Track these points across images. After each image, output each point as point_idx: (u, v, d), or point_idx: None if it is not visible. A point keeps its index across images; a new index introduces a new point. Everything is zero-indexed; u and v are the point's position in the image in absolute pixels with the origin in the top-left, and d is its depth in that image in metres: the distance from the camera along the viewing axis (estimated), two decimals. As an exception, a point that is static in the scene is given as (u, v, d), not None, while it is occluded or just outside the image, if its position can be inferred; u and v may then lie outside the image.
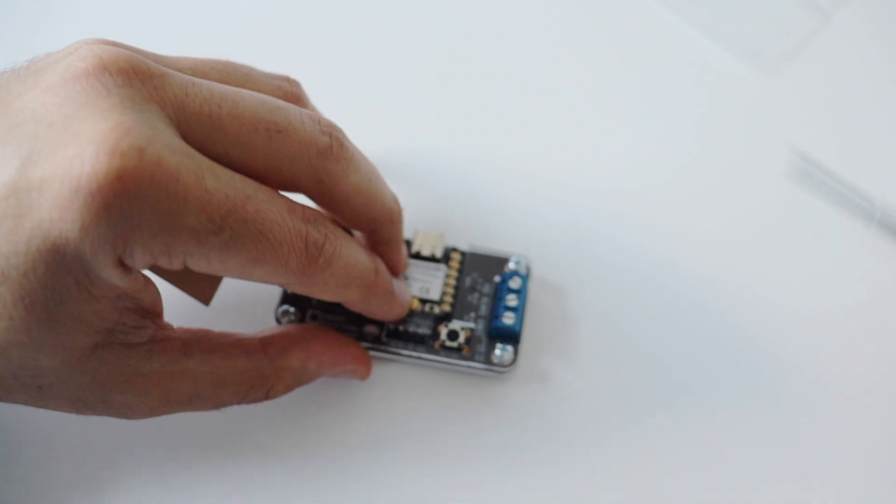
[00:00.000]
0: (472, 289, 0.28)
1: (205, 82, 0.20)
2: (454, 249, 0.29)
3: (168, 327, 0.22)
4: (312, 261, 0.21)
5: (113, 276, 0.19)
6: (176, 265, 0.19)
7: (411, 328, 0.27)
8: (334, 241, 0.22)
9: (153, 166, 0.18)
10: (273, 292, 0.28)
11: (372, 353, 0.27)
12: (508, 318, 0.27)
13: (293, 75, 0.26)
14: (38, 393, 0.21)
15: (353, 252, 0.23)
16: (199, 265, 0.20)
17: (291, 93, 0.25)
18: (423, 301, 0.28)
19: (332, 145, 0.22)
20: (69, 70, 0.19)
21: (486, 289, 0.28)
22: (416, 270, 0.29)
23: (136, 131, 0.18)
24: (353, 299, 0.24)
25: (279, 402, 0.25)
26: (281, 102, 0.21)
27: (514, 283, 0.28)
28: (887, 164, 0.33)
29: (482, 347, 0.27)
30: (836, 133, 0.33)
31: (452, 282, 0.28)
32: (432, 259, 0.29)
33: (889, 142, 0.34)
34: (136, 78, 0.19)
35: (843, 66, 0.35)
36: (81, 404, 0.21)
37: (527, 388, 0.28)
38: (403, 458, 0.26)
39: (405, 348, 0.27)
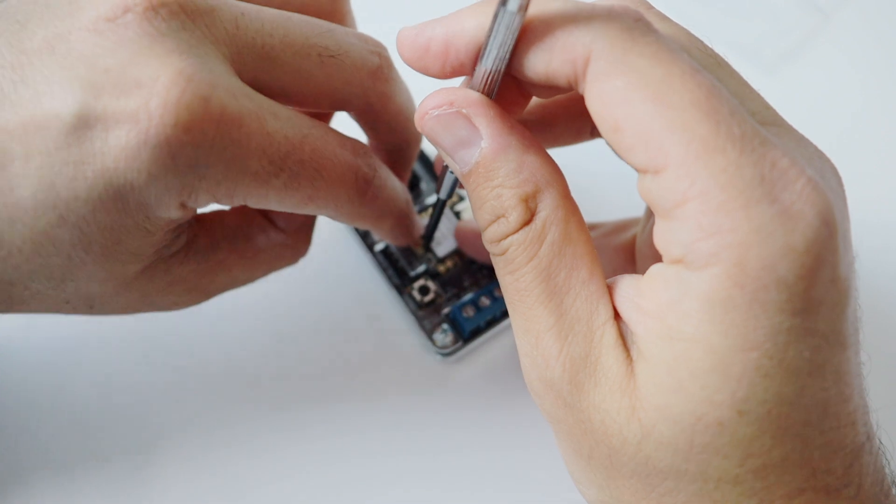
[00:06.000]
0: (474, 271, 0.28)
1: (252, 9, 0.20)
2: None
3: (186, 218, 0.21)
4: (362, 194, 0.21)
5: (173, 214, 0.19)
6: (235, 205, 0.20)
7: (402, 262, 0.28)
8: (379, 173, 0.22)
9: (218, 115, 0.18)
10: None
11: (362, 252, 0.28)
12: (467, 312, 0.27)
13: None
14: (87, 310, 0.21)
15: (393, 183, 0.23)
16: (255, 204, 0.20)
17: (331, 8, 0.23)
18: (428, 250, 0.28)
19: (382, 66, 0.22)
20: (113, 9, 0.18)
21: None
22: (445, 223, 0.29)
23: (198, 79, 0.18)
24: (385, 227, 0.24)
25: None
26: (328, 24, 0.21)
27: None
28: (887, 163, 0.33)
29: (437, 319, 0.27)
30: (836, 133, 0.34)
31: (465, 256, 0.28)
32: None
33: (889, 140, 0.34)
34: (187, 17, 0.18)
35: (842, 66, 0.36)
36: (129, 310, 0.22)
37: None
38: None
39: (387, 269, 0.28)
